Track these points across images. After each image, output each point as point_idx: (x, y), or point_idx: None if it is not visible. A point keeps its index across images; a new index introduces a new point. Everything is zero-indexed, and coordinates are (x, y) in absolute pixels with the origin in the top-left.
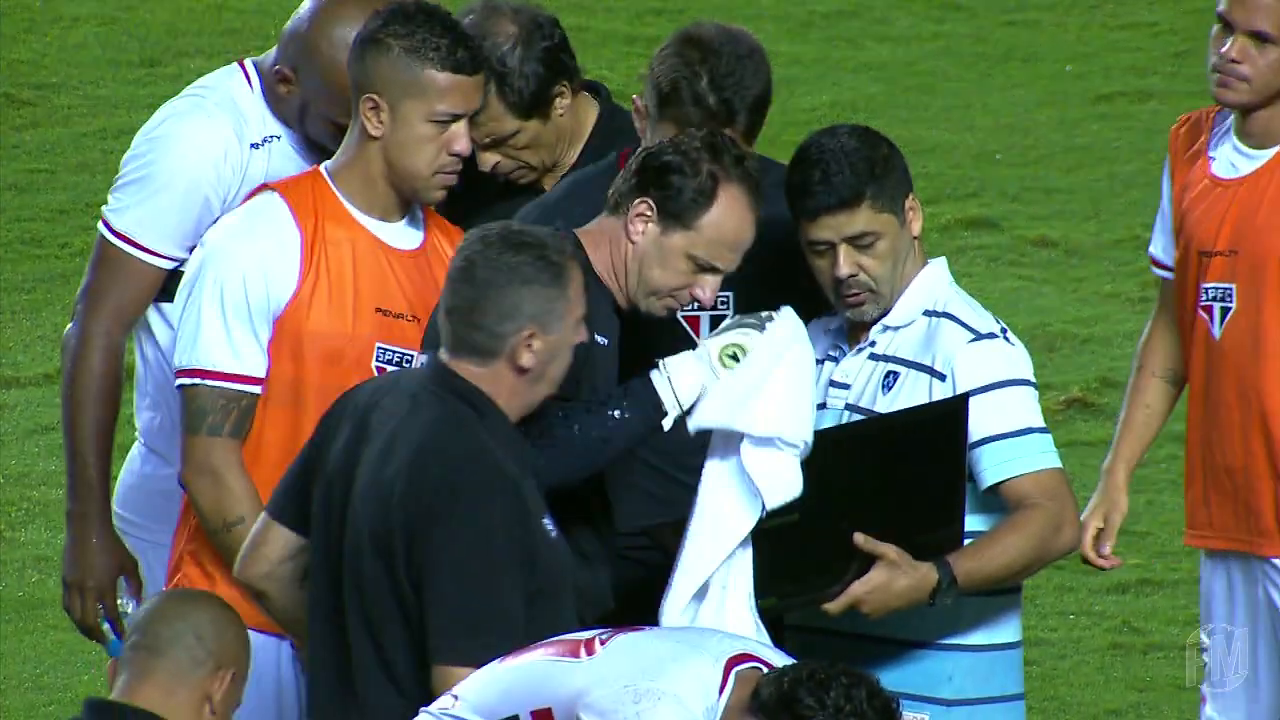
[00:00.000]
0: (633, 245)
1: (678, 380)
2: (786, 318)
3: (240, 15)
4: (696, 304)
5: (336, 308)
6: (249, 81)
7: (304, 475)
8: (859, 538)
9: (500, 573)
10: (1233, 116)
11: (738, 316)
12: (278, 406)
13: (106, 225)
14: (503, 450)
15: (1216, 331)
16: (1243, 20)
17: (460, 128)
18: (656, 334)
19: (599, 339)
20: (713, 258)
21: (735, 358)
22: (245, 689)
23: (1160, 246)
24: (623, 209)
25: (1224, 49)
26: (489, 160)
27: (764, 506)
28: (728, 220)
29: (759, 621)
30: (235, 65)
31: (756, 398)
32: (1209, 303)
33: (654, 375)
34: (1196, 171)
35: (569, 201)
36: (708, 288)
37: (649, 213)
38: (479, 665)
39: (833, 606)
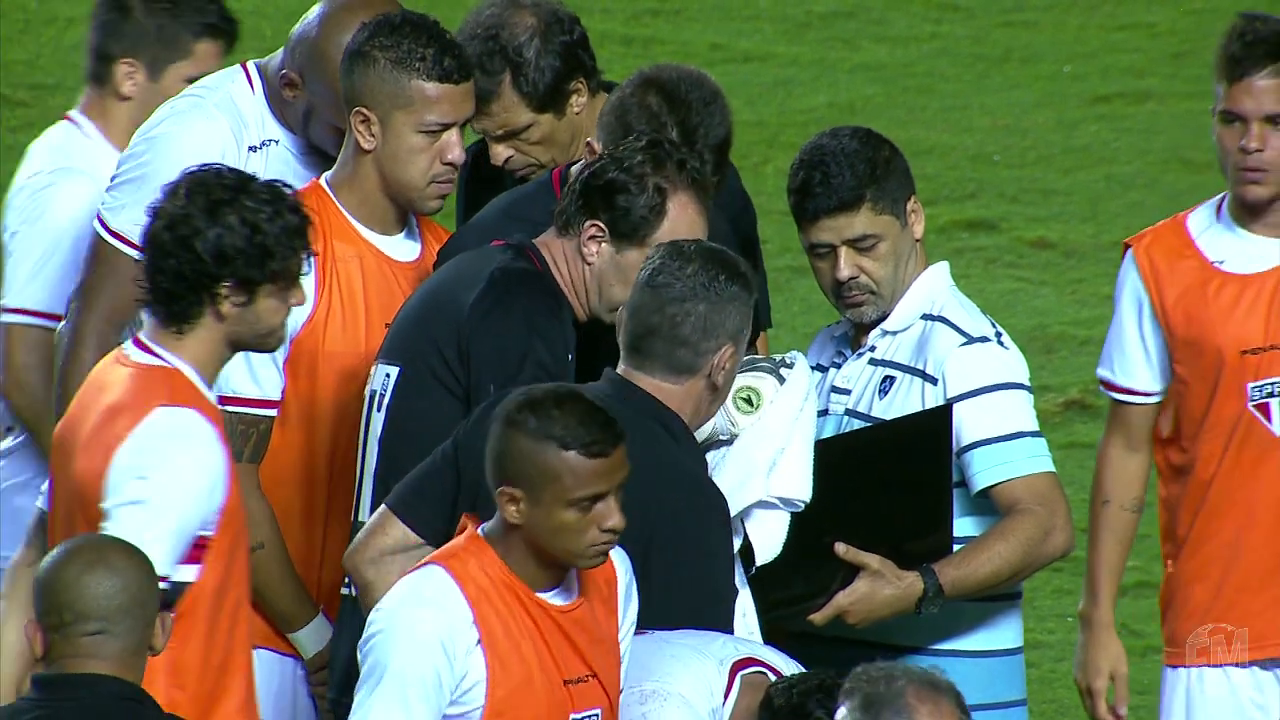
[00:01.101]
0: (589, 266)
1: None
2: (801, 370)
3: (236, 16)
4: None
5: (350, 326)
6: (250, 84)
7: (441, 479)
8: (840, 548)
9: (725, 596)
10: (1225, 211)
11: (750, 356)
12: (292, 426)
13: (103, 224)
14: (702, 471)
15: (1278, 428)
16: (1254, 109)
17: (452, 136)
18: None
19: (568, 355)
20: None
21: (749, 400)
22: (258, 707)
23: (1118, 367)
24: (573, 230)
25: (1244, 142)
26: (501, 154)
27: (754, 562)
28: (680, 228)
29: (751, 634)
30: (238, 67)
31: (778, 462)
32: (1264, 400)
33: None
34: (1197, 274)
35: (507, 223)
36: None
37: (600, 234)
38: None
39: (818, 617)
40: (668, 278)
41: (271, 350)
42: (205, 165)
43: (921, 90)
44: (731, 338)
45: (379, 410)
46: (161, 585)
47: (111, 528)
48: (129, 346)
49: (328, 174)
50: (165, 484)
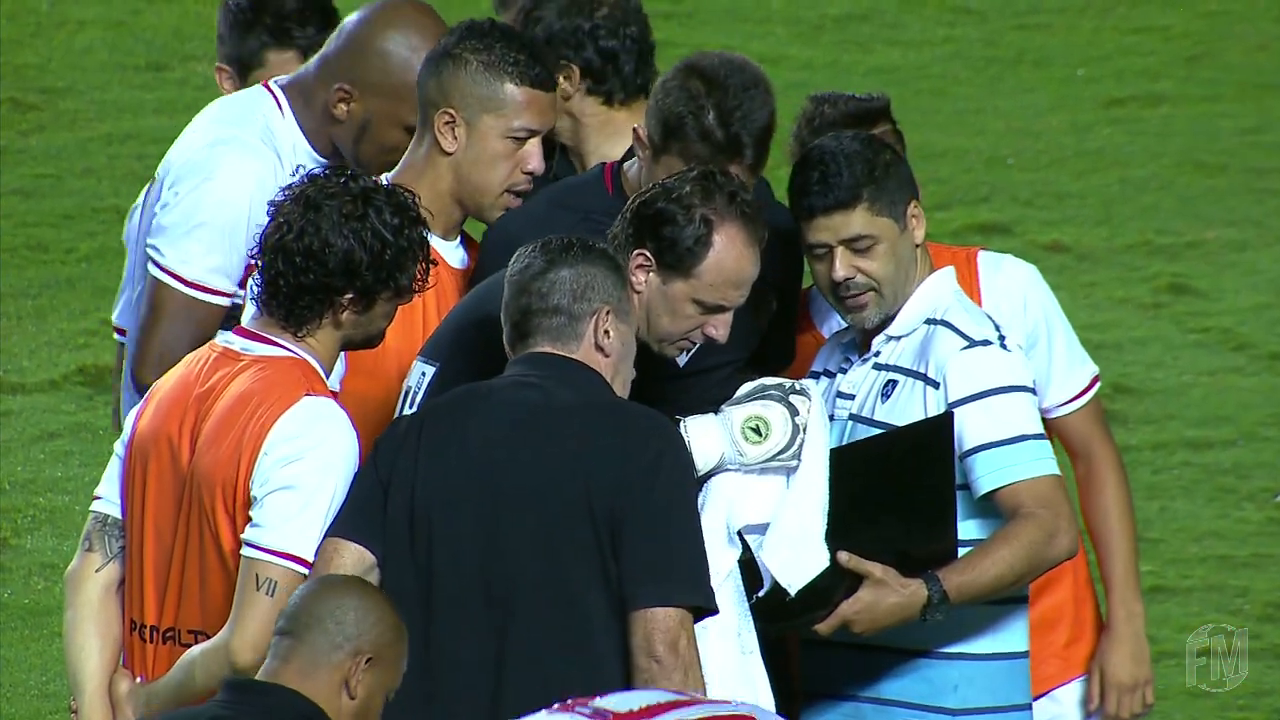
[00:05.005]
0: (637, 294)
1: (696, 443)
2: (818, 410)
3: None
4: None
5: (407, 325)
6: (280, 106)
7: (377, 494)
8: (843, 556)
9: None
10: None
11: (759, 382)
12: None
13: (161, 268)
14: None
15: None
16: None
17: (534, 145)
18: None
19: None
20: (718, 299)
21: (758, 430)
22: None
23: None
24: (623, 257)
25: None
26: None
27: (757, 588)
28: (727, 261)
29: (748, 653)
30: (261, 88)
31: (817, 522)
32: None
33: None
34: None
35: (555, 211)
36: (720, 325)
37: (648, 263)
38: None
39: (822, 627)
40: (520, 264)
41: (373, 348)
42: (331, 168)
43: (935, 94)
44: (605, 300)
45: (410, 406)
46: (301, 569)
47: (261, 513)
48: (232, 338)
49: (387, 175)
50: (318, 469)
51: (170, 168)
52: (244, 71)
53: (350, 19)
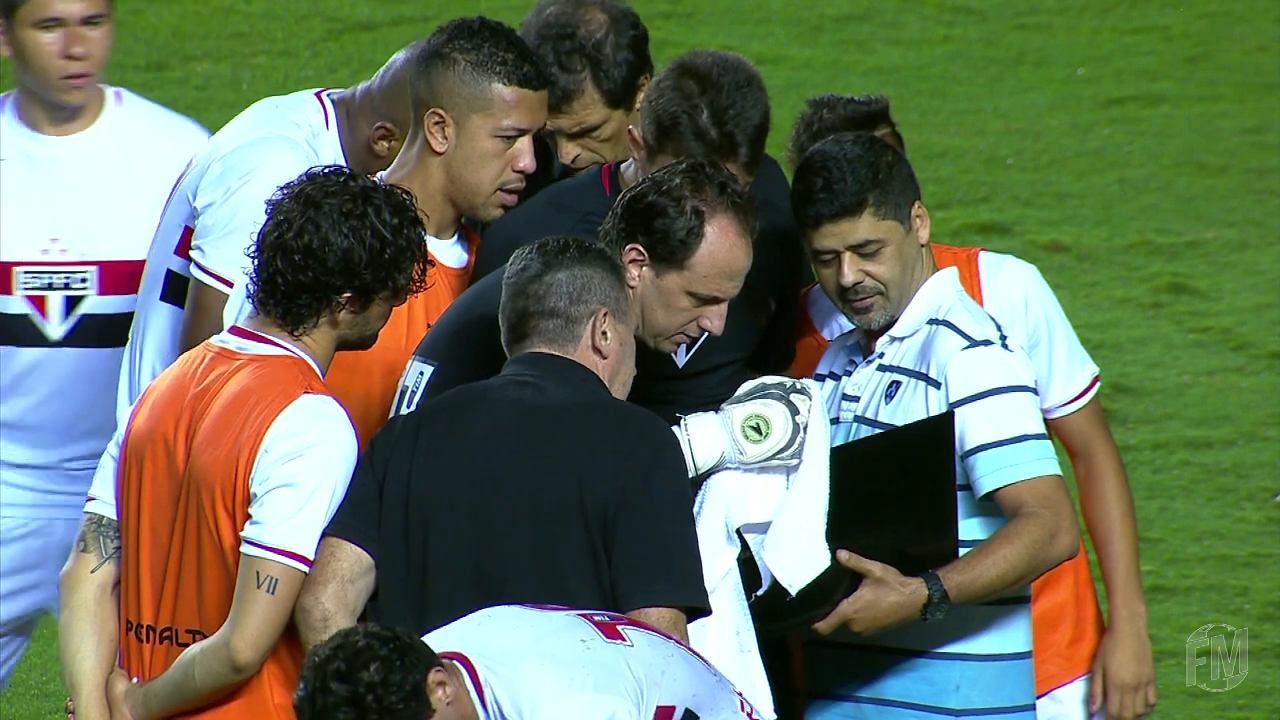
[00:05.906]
0: (631, 289)
1: (696, 441)
2: (818, 410)
3: (247, 19)
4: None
5: (393, 322)
6: (326, 119)
7: (373, 494)
8: (843, 555)
9: (695, 540)
10: None
11: (759, 380)
12: None
13: (207, 270)
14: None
15: None
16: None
17: (525, 144)
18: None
19: None
20: (712, 290)
21: (758, 429)
22: None
23: None
24: (615, 253)
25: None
26: (571, 152)
27: (756, 586)
28: (719, 251)
29: (746, 651)
30: (313, 97)
31: (819, 521)
32: None
33: (674, 431)
34: None
35: (554, 212)
36: (714, 317)
37: (640, 257)
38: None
39: (822, 626)
40: (517, 266)
41: (368, 349)
42: (330, 168)
43: (934, 94)
44: (602, 302)
45: (408, 405)
46: (302, 567)
47: (261, 511)
48: (227, 337)
49: (382, 173)
50: (318, 466)
51: (214, 160)
52: (9, 12)
53: (398, 56)
